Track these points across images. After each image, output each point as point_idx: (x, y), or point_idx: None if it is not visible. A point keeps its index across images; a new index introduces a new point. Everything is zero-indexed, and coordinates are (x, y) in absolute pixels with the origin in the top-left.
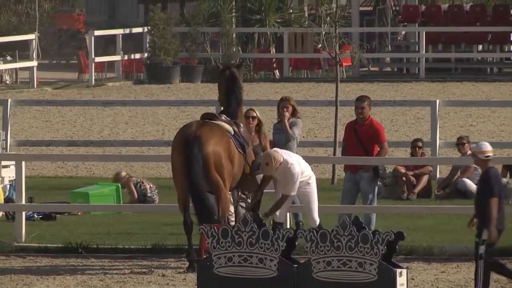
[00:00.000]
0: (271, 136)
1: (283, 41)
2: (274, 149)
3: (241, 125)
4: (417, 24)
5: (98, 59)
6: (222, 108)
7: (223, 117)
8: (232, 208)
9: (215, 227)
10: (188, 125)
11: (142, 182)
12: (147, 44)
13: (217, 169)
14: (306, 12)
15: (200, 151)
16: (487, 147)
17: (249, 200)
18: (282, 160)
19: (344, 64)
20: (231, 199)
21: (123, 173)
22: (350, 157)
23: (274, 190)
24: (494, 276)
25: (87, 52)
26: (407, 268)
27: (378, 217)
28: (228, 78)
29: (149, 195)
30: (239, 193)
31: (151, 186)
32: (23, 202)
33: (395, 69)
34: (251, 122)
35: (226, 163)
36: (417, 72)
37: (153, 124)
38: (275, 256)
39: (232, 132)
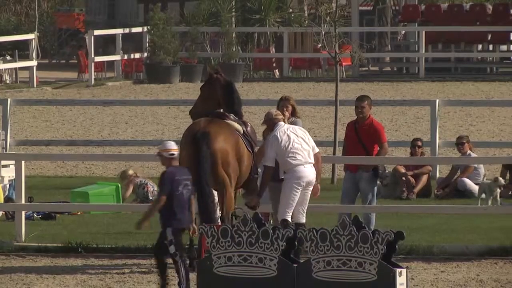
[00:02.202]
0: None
1: (283, 40)
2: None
3: (248, 124)
4: (416, 24)
5: (98, 59)
6: (221, 109)
7: (231, 116)
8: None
9: (215, 227)
10: (197, 122)
11: (146, 184)
12: (147, 44)
13: (223, 166)
14: (306, 12)
15: (209, 148)
16: (172, 145)
17: None
18: (282, 121)
19: (344, 63)
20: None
21: (130, 172)
22: (349, 157)
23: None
24: (493, 276)
25: (87, 52)
26: (407, 267)
27: (377, 216)
28: (225, 81)
29: (150, 198)
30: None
31: (155, 189)
32: (23, 201)
33: (395, 69)
34: None
35: (233, 161)
36: (416, 71)
37: (152, 124)
38: (274, 256)
39: (242, 131)
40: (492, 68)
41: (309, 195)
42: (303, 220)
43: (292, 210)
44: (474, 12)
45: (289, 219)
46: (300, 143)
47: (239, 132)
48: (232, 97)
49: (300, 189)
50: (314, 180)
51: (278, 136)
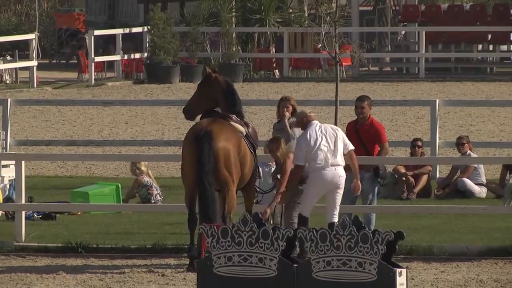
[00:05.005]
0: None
1: (283, 40)
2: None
3: (250, 125)
4: (417, 24)
5: (98, 59)
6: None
7: (233, 117)
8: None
9: (215, 227)
10: (200, 122)
11: (151, 187)
12: (147, 44)
13: (226, 165)
14: (306, 12)
15: (211, 147)
16: None
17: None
18: (312, 119)
19: (344, 63)
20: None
21: (143, 168)
22: None
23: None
24: (493, 276)
25: (87, 52)
26: (407, 267)
27: (378, 217)
28: (224, 81)
29: (152, 201)
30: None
31: (158, 193)
32: (23, 201)
33: (395, 69)
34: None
35: (235, 160)
36: (417, 71)
37: (153, 124)
38: (275, 256)
39: (244, 133)
40: (492, 68)
41: (340, 197)
42: (335, 220)
43: (309, 209)
44: (474, 12)
45: (307, 215)
46: (328, 145)
47: (241, 134)
48: (234, 98)
49: (319, 191)
50: (340, 182)
51: (308, 136)
